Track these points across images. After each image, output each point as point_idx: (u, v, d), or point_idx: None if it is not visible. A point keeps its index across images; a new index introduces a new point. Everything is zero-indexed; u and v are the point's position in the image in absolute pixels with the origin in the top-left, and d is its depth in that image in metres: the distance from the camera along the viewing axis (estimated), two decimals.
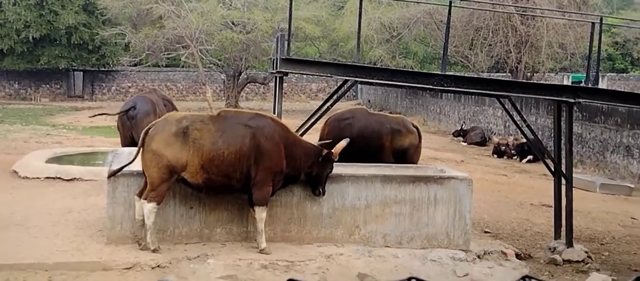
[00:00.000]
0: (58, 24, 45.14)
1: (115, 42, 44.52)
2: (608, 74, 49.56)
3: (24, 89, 50.27)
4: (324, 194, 10.17)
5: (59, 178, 14.91)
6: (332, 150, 10.06)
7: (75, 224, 10.93)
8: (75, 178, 14.88)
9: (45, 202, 12.64)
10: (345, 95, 12.93)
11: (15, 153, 19.28)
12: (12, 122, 30.64)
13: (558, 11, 32.40)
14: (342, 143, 10.22)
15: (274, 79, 13.22)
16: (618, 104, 14.60)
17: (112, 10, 41.50)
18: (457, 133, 31.13)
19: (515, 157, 24.96)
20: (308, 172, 10.05)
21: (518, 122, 12.97)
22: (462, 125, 31.79)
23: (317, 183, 10.13)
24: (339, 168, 10.61)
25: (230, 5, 39.88)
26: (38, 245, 9.66)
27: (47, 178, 14.97)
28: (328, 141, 10.75)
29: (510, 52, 34.77)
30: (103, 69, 50.64)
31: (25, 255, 9.20)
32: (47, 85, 50.66)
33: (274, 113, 11.73)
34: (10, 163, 16.38)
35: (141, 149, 9.56)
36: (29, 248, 9.50)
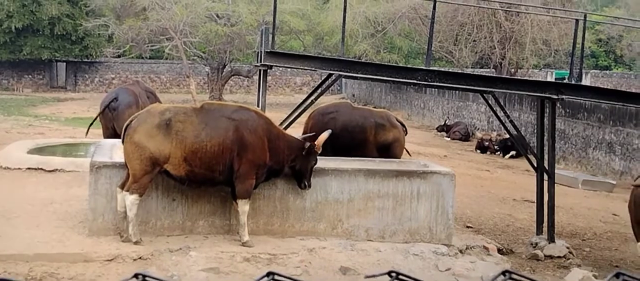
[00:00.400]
0: (41, 15, 44.94)
1: (99, 33, 44.35)
2: (591, 71, 49.84)
3: (6, 80, 49.98)
4: (309, 187, 10.15)
5: (41, 169, 14.79)
6: (315, 142, 10.03)
7: (57, 215, 10.86)
8: (57, 169, 14.76)
9: (26, 193, 12.54)
10: (330, 89, 12.93)
11: None
12: None
13: (542, 8, 32.53)
14: (324, 135, 10.20)
15: (258, 72, 13.20)
16: (601, 101, 14.71)
17: (95, 1, 41.41)
18: (441, 128, 31.27)
19: (498, 152, 25.09)
20: (292, 165, 10.03)
21: (501, 118, 13.01)
22: (446, 120, 31.90)
23: (301, 176, 10.11)
24: (322, 162, 10.59)
25: None
26: (19, 236, 9.59)
27: (29, 169, 14.84)
28: (311, 134, 10.72)
29: (495, 48, 34.88)
30: (86, 60, 50.42)
31: (6, 246, 9.13)
32: (30, 76, 50.37)
33: (258, 106, 11.71)
34: None
35: (123, 141, 9.52)
36: (9, 239, 9.43)
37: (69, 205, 11.53)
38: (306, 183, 10.13)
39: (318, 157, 10.24)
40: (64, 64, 50.65)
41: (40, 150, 17.06)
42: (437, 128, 31.85)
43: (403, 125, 13.48)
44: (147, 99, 15.27)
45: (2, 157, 15.66)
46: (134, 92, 15.82)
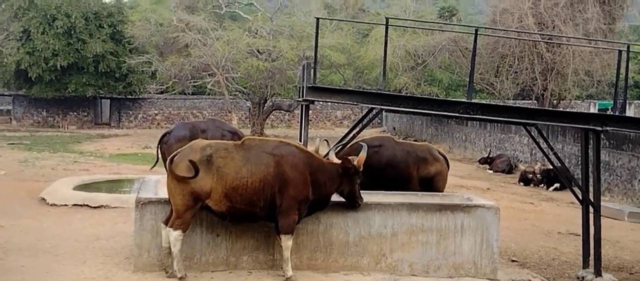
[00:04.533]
0: (86, 53, 45.68)
1: (142, 70, 44.86)
2: (635, 102, 49.19)
3: (52, 117, 50.74)
4: (361, 203, 10.17)
5: (87, 205, 15.03)
6: (354, 163, 10.00)
7: (103, 251, 10.99)
8: (102, 205, 14.99)
9: (73, 229, 12.73)
10: (371, 122, 12.93)
11: (43, 180, 19.46)
12: (40, 150, 30.91)
13: (584, 39, 32.29)
14: (363, 155, 10.14)
15: (299, 107, 13.26)
16: None
17: (139, 38, 41.96)
18: (483, 161, 31.05)
19: (542, 185, 24.85)
20: (340, 192, 10.05)
21: (545, 150, 12.91)
22: (490, 152, 31.69)
23: (352, 198, 10.14)
24: (365, 197, 10.57)
25: (256, 33, 40.15)
26: (66, 273, 9.72)
27: (75, 205, 15.10)
28: (348, 157, 10.63)
29: (536, 80, 34.68)
30: (130, 96, 51.00)
31: None
32: (75, 113, 51.10)
33: (300, 140, 11.76)
34: (39, 191, 16.54)
35: (167, 176, 9.61)
36: (57, 276, 9.55)
37: (114, 241, 11.68)
38: (358, 202, 10.16)
39: (362, 192, 10.22)
40: (108, 100, 51.32)
41: (85, 187, 17.33)
42: (479, 161, 31.64)
43: (445, 159, 13.42)
44: (222, 137, 15.04)
45: (49, 194, 15.93)
46: (194, 126, 15.93)
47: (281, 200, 9.53)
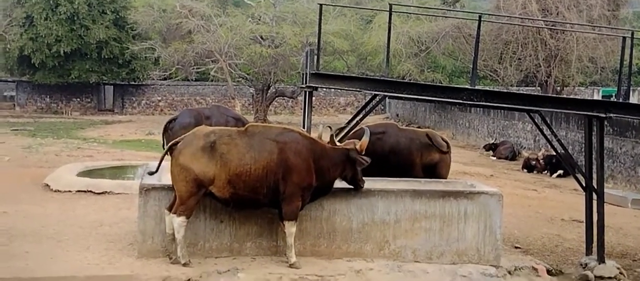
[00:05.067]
0: (89, 39, 45.69)
1: (145, 56, 44.88)
2: (639, 88, 49.11)
3: (56, 103, 50.77)
4: (363, 185, 10.21)
5: (90, 191, 15.05)
6: (357, 147, 10.02)
7: (107, 237, 11.02)
8: (106, 191, 15.02)
9: (76, 215, 12.76)
10: (374, 109, 12.92)
11: (46, 166, 19.49)
12: (43, 136, 30.95)
13: (588, 25, 32.20)
14: (365, 139, 10.16)
15: (302, 93, 13.25)
16: None
17: (142, 24, 41.90)
18: (488, 147, 30.99)
19: (546, 171, 24.84)
20: (343, 177, 10.07)
21: (548, 137, 12.89)
22: (496, 139, 31.64)
23: (355, 182, 10.18)
24: (368, 183, 10.59)
25: (259, 19, 40.08)
26: (70, 258, 9.75)
27: (79, 191, 15.12)
28: (351, 140, 10.64)
29: (540, 66, 34.61)
30: (133, 83, 51.01)
31: (57, 268, 9.29)
32: (78, 99, 51.13)
33: (304, 127, 11.76)
34: (42, 177, 16.56)
35: (170, 162, 9.63)
36: (61, 262, 9.59)
37: (118, 227, 11.71)
38: (361, 185, 10.20)
39: (365, 179, 10.25)
40: (112, 87, 51.35)
41: (89, 173, 17.35)
42: (484, 147, 31.58)
43: (448, 145, 13.41)
44: (226, 123, 15.02)
45: (52, 180, 15.96)
46: (199, 113, 15.92)
47: (285, 187, 9.55)
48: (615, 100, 13.60)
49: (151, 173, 10.04)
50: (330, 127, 10.84)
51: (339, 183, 10.20)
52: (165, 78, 46.54)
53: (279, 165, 9.55)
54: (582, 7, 33.61)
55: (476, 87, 12.04)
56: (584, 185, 12.18)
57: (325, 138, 10.36)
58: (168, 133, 15.77)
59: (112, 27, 46.74)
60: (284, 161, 9.57)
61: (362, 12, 43.11)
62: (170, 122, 16.02)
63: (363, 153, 10.03)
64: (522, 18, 32.89)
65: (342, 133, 11.43)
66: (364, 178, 10.25)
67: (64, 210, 13.30)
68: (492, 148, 30.74)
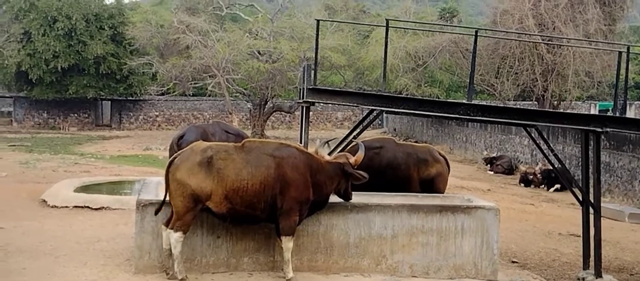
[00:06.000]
0: (86, 54, 45.79)
1: (143, 72, 45.01)
2: (635, 102, 49.22)
3: (53, 118, 50.81)
4: (351, 197, 10.27)
5: (88, 207, 15.05)
6: (351, 162, 10.05)
7: (104, 253, 11.01)
8: (103, 207, 15.02)
9: (73, 231, 12.75)
10: (372, 123, 12.94)
11: (44, 182, 19.48)
12: (41, 151, 30.96)
13: (585, 40, 32.30)
14: (360, 153, 10.19)
15: (300, 108, 13.26)
16: None
17: (139, 40, 42.02)
18: (488, 160, 30.95)
19: (543, 186, 24.87)
20: (338, 191, 10.10)
21: (545, 151, 12.91)
22: (496, 153, 31.65)
23: (346, 195, 10.23)
24: (365, 198, 10.62)
25: (257, 35, 40.19)
26: (67, 274, 9.74)
27: (76, 207, 15.12)
28: (344, 154, 10.67)
29: (537, 81, 34.72)
30: (130, 98, 51.12)
31: None
32: (76, 115, 51.18)
33: (301, 142, 11.76)
34: (40, 192, 16.56)
35: (167, 178, 9.63)
36: (58, 278, 9.57)
37: (115, 242, 11.70)
38: (350, 197, 10.26)
39: (362, 194, 10.27)
40: (109, 102, 51.45)
41: (86, 189, 17.35)
42: (484, 159, 31.55)
43: (446, 160, 13.44)
44: (227, 139, 15.03)
45: (50, 196, 15.96)
46: (204, 130, 15.93)
47: (282, 202, 9.55)
48: (611, 114, 13.61)
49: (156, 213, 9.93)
50: (327, 143, 10.86)
51: (336, 198, 10.21)
52: (162, 94, 46.58)
53: (276, 180, 9.55)
54: (579, 21, 33.73)
55: (473, 102, 12.06)
56: (581, 199, 12.18)
57: (323, 153, 10.37)
58: (175, 150, 15.75)
59: (109, 42, 46.86)
60: (281, 176, 9.57)
61: (359, 28, 43.31)
62: (178, 139, 16.03)
63: (356, 167, 10.06)
64: (519, 33, 33.00)
65: (332, 148, 11.42)
66: (361, 192, 10.27)
67: (61, 225, 13.29)
68: (491, 162, 30.74)
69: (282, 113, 48.45)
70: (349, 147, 11.70)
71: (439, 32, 38.30)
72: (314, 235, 10.29)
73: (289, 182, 9.57)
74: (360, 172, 10.05)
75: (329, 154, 10.54)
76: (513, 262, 12.66)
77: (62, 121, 50.67)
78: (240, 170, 9.47)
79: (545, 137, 12.80)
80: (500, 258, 11.19)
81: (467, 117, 11.75)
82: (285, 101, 44.73)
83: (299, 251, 10.15)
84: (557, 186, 24.12)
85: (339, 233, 10.33)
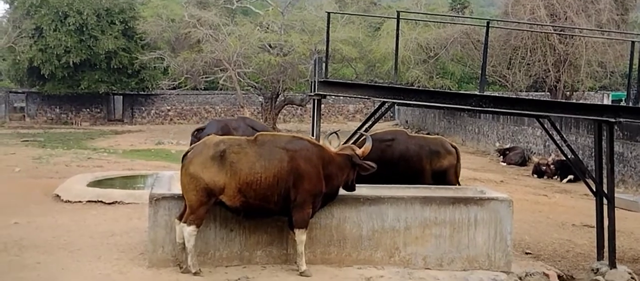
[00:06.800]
0: (98, 49, 45.83)
1: (154, 66, 45.04)
2: None
3: (65, 113, 50.93)
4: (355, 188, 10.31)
5: (101, 201, 15.10)
6: (358, 153, 10.07)
7: (117, 247, 11.05)
8: (116, 201, 15.06)
9: (87, 226, 12.80)
10: (383, 116, 12.92)
11: (57, 177, 19.55)
12: (54, 146, 31.07)
13: (597, 30, 32.14)
14: (368, 145, 10.22)
15: (311, 101, 13.26)
16: None
17: (151, 34, 42.02)
18: (501, 152, 30.84)
19: (556, 177, 24.79)
20: (345, 182, 10.13)
21: (558, 142, 12.86)
22: (509, 145, 31.55)
23: (352, 185, 10.27)
24: (377, 190, 10.62)
25: (268, 28, 40.13)
26: (81, 269, 9.78)
27: (89, 201, 15.17)
28: (349, 145, 10.69)
29: (549, 71, 34.57)
30: (142, 92, 51.19)
31: (69, 279, 9.31)
32: (88, 109, 51.29)
33: (312, 135, 11.76)
34: (53, 187, 16.62)
35: (180, 171, 9.65)
36: (72, 272, 9.61)
37: (129, 237, 11.74)
38: (354, 187, 10.29)
39: (374, 186, 10.27)
40: (121, 97, 51.53)
41: (99, 183, 17.41)
42: (497, 151, 31.43)
43: (457, 151, 13.40)
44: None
45: (63, 191, 16.02)
46: (227, 124, 15.90)
47: (296, 195, 9.56)
48: (624, 104, 13.54)
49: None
50: (336, 133, 10.86)
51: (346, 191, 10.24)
52: (174, 88, 46.68)
53: (289, 173, 9.56)
54: (591, 11, 33.56)
55: (485, 93, 12.01)
56: (594, 190, 12.13)
57: (334, 144, 10.38)
58: (194, 143, 15.77)
59: (121, 37, 46.89)
60: (294, 169, 9.58)
61: (370, 20, 43.21)
62: (197, 131, 16.02)
63: (363, 159, 10.09)
64: (530, 23, 32.87)
65: (342, 140, 11.42)
66: (374, 185, 10.28)
67: (75, 220, 13.34)
68: (504, 153, 30.64)
69: (294, 106, 48.46)
70: (359, 140, 11.69)
71: (450, 23, 38.18)
72: (326, 228, 10.30)
73: (302, 175, 9.58)
74: (369, 162, 10.07)
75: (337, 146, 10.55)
76: (526, 253, 12.63)
77: (75, 116, 50.78)
78: (253, 163, 9.48)
79: (558, 127, 12.75)
80: (513, 249, 11.17)
81: (479, 109, 11.72)
82: (297, 94, 44.71)
83: (312, 244, 10.15)
84: (570, 177, 24.03)
85: (352, 225, 10.33)
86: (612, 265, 11.44)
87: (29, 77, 48.35)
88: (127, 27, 47.26)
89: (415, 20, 34.21)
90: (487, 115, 33.90)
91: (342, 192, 10.24)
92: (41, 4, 45.65)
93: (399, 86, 12.72)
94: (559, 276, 11.05)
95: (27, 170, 21.81)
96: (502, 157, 30.42)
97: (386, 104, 12.31)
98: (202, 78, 41.08)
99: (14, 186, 17.84)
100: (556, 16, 33.93)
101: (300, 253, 9.73)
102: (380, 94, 11.94)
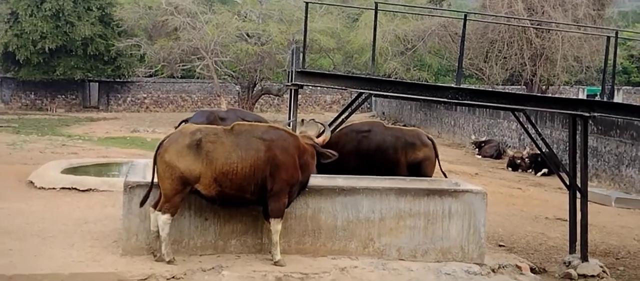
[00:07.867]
0: (74, 35, 45.52)
1: (131, 54, 44.83)
2: (623, 87, 49.38)
3: (40, 100, 50.57)
4: None
5: (75, 188, 14.99)
6: (319, 141, 10.20)
7: (91, 235, 10.98)
8: (90, 189, 14.96)
9: (61, 213, 12.71)
10: (360, 107, 12.95)
11: (31, 163, 19.41)
12: (28, 133, 30.82)
13: (573, 25, 32.34)
14: (326, 134, 10.32)
15: (288, 91, 13.25)
16: (634, 118, 14.56)
17: (128, 21, 41.79)
18: (477, 144, 30.95)
19: (530, 170, 24.96)
20: None
21: (533, 135, 12.94)
22: (485, 137, 31.68)
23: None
24: (353, 181, 10.64)
25: (245, 17, 40.06)
26: (54, 256, 9.71)
27: (63, 188, 15.05)
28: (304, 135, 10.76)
29: (525, 65, 34.77)
30: (118, 80, 50.94)
31: (42, 266, 9.24)
32: (63, 96, 50.94)
33: (289, 125, 11.76)
34: (27, 174, 16.49)
35: (155, 160, 9.61)
36: (45, 259, 9.54)
37: (102, 224, 11.67)
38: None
39: (349, 177, 10.30)
40: (97, 83, 51.18)
41: (73, 170, 17.28)
42: (472, 143, 31.55)
43: (433, 144, 13.44)
44: None
45: (37, 177, 15.89)
46: (214, 115, 15.78)
47: (272, 184, 9.55)
48: (599, 99, 13.65)
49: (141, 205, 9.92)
50: (314, 120, 10.87)
51: (324, 182, 10.23)
52: (150, 76, 46.42)
53: (266, 162, 9.54)
54: (568, 6, 33.78)
55: (462, 86, 12.07)
56: (568, 183, 12.23)
57: (312, 133, 10.40)
58: None
59: (97, 23, 46.61)
60: (271, 159, 9.57)
61: (348, 10, 43.15)
62: (184, 121, 15.96)
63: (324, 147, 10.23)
64: (508, 17, 33.01)
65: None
66: (349, 176, 10.31)
67: (49, 207, 13.24)
68: (480, 145, 30.78)
69: (271, 96, 48.37)
70: (338, 130, 11.71)
71: (428, 15, 38.24)
72: (301, 218, 10.30)
73: (279, 165, 9.57)
74: (330, 151, 10.14)
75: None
76: (500, 246, 12.72)
77: (50, 102, 50.44)
78: (229, 153, 9.45)
79: (533, 121, 12.85)
80: (487, 241, 11.23)
81: (456, 101, 11.77)
82: (274, 84, 44.64)
83: (286, 234, 10.15)
84: (545, 170, 24.21)
85: (327, 216, 10.34)
86: (584, 258, 11.55)
87: (3, 63, 47.98)
88: (104, 13, 46.96)
89: (393, 11, 34.14)
90: (464, 107, 34.02)
91: (318, 182, 10.25)
92: None
93: (376, 77, 12.73)
94: (532, 269, 11.12)
95: (1, 156, 21.64)
96: (477, 149, 30.58)
97: (363, 95, 12.33)
98: (179, 66, 40.91)
99: None
100: (533, 10, 34.11)
101: (275, 242, 9.73)
102: (358, 85, 11.96)
